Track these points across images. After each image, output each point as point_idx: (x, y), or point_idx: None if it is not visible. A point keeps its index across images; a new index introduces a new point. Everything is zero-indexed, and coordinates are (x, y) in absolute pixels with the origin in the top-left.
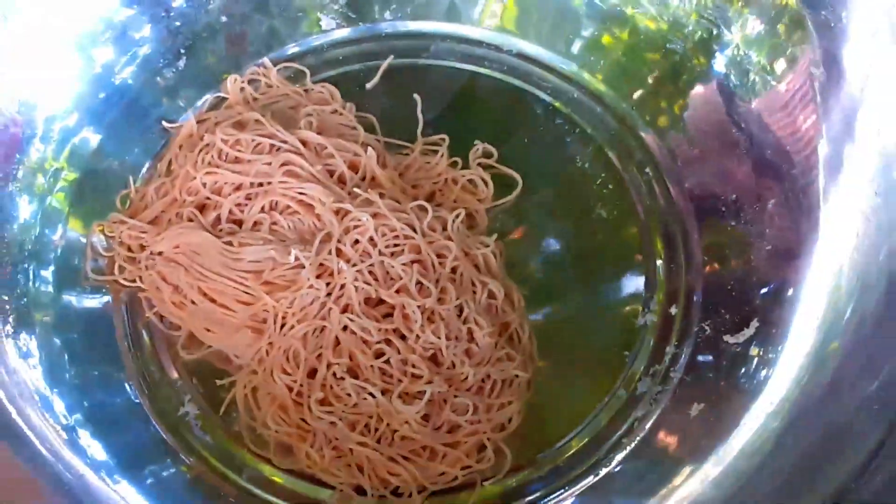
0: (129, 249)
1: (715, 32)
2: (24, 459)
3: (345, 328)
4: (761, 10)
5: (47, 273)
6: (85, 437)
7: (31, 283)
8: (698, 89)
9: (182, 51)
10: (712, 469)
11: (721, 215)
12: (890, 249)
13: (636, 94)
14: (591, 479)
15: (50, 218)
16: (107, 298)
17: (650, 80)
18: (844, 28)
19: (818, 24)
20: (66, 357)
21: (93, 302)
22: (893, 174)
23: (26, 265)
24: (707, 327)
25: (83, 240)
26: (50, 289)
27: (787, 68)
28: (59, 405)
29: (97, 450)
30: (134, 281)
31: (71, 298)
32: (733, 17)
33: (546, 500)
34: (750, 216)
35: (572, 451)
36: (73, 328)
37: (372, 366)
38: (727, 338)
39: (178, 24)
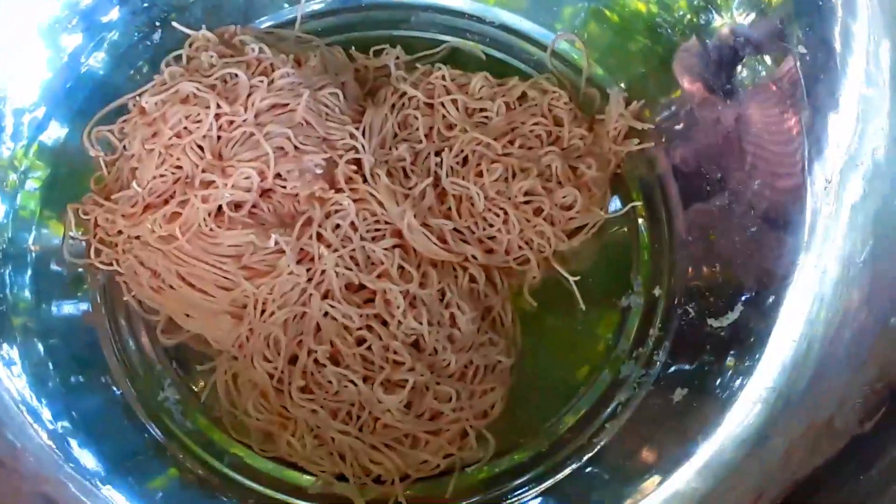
0: (106, 232)
1: (704, 19)
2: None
3: (325, 314)
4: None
5: (25, 278)
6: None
7: (8, 289)
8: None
9: (157, 23)
10: (696, 458)
11: (706, 195)
12: (875, 240)
13: (624, 75)
14: (574, 465)
15: (22, 219)
16: (86, 305)
17: (638, 63)
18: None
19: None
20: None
21: (72, 305)
22: (878, 159)
23: (2, 270)
24: (691, 310)
25: (57, 241)
26: (27, 293)
27: (775, 52)
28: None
29: (87, 455)
30: (111, 264)
31: (51, 303)
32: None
33: (529, 486)
34: (735, 196)
35: (555, 437)
36: (54, 333)
37: (354, 353)
38: (711, 321)
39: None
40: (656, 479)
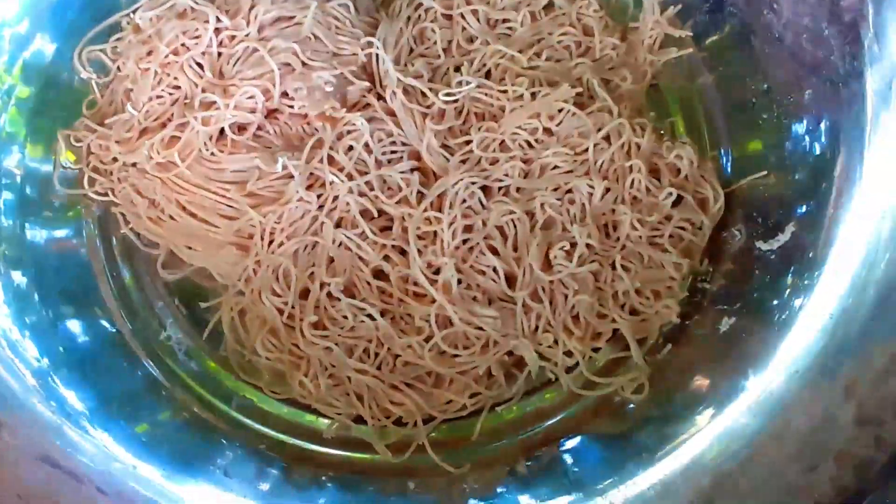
0: (100, 160)
1: None
2: None
3: (339, 244)
4: None
5: (8, 204)
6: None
7: None
8: None
9: None
10: (748, 393)
11: (753, 108)
12: None
13: None
14: (615, 400)
15: (5, 142)
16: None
17: None
18: None
19: None
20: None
21: (63, 231)
22: None
23: None
24: (738, 232)
25: (43, 167)
26: (11, 220)
27: None
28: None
29: (78, 397)
30: (106, 194)
31: (38, 230)
32: None
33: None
34: (784, 108)
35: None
36: (40, 263)
37: (369, 283)
38: (760, 244)
39: None
40: (708, 413)
